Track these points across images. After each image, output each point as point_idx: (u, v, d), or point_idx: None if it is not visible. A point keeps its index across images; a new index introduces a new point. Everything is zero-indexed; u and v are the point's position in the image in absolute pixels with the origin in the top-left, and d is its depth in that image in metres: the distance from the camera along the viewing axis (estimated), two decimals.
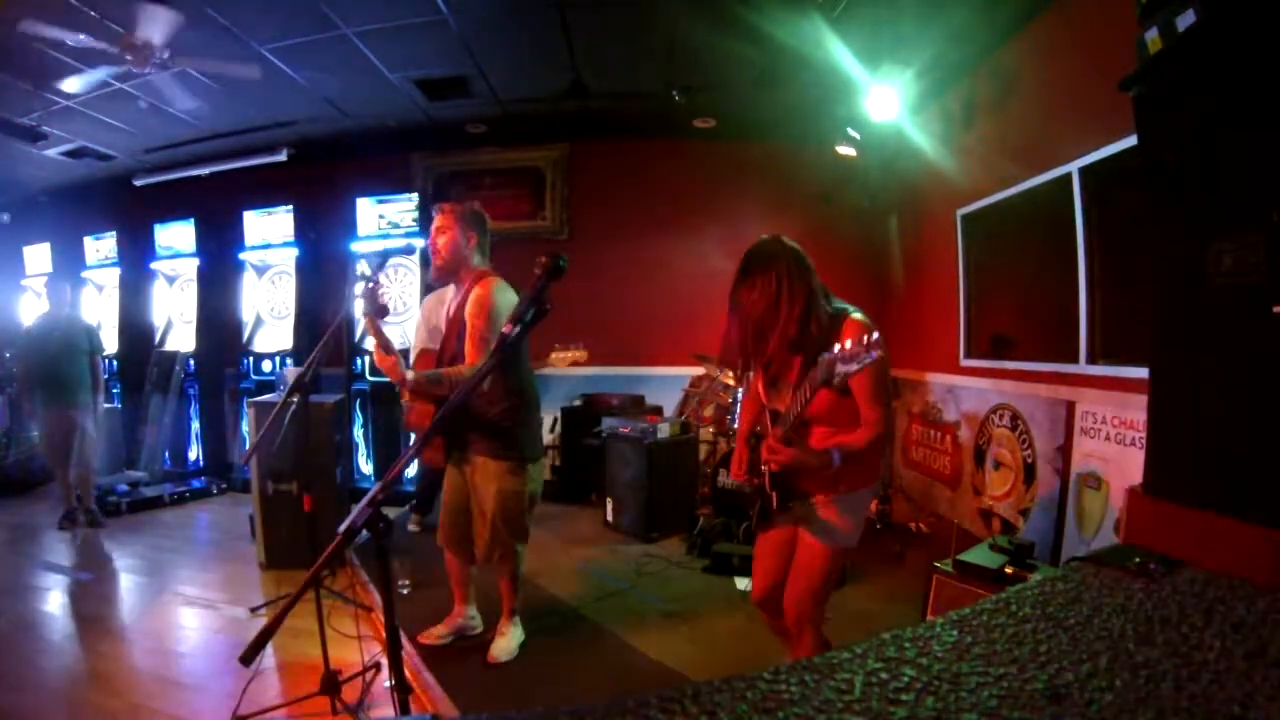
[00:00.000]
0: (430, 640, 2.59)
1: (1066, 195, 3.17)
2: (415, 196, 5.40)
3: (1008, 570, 2.32)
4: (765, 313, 1.71)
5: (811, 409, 1.66)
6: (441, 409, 1.26)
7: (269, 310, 5.78)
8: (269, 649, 2.00)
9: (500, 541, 2.44)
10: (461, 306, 2.41)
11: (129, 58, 3.49)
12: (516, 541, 2.48)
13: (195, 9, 3.39)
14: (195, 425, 6.00)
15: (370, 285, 2.26)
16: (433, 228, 2.46)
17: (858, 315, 1.71)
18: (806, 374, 1.60)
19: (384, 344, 2.23)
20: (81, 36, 3.26)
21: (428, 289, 4.35)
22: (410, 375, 2.22)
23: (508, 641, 2.58)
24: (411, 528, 4.15)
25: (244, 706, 2.09)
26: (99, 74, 3.76)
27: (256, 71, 3.94)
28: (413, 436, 3.06)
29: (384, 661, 2.36)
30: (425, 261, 4.87)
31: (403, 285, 5.33)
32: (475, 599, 2.72)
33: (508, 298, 2.37)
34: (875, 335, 1.41)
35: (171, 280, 6.20)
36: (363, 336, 5.39)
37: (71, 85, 3.80)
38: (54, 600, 3.25)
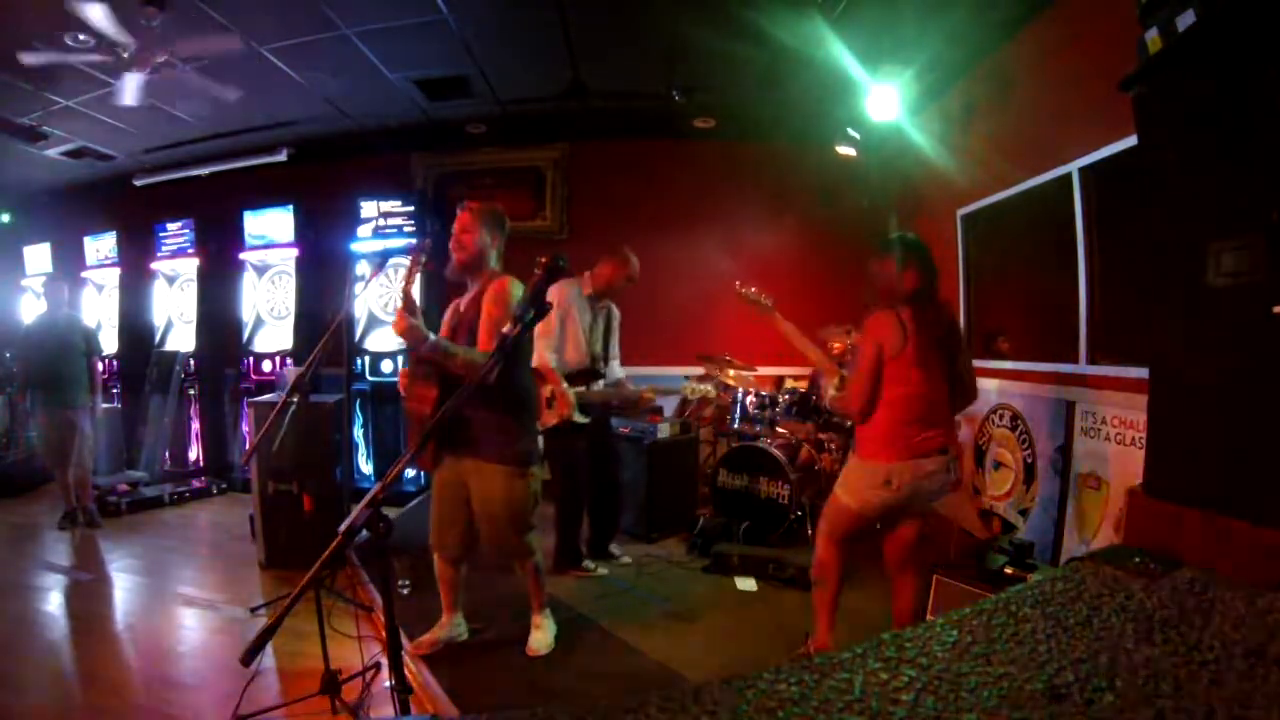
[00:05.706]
0: (422, 650, 2.55)
1: (1066, 195, 3.16)
2: (415, 196, 5.39)
3: (1008, 570, 2.32)
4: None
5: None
6: (446, 404, 1.25)
7: (269, 310, 5.77)
8: (269, 649, 2.00)
9: (514, 542, 2.45)
10: (474, 303, 2.41)
11: (125, 55, 3.47)
12: (527, 535, 2.49)
13: (195, 9, 3.39)
14: (195, 425, 5.99)
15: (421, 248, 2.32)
16: (458, 224, 2.43)
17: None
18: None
19: (410, 305, 2.19)
20: (108, 26, 3.19)
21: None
22: (431, 338, 2.17)
23: (544, 634, 2.61)
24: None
25: (244, 706, 2.09)
26: (70, 58, 3.60)
27: (232, 95, 3.99)
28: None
29: (384, 661, 2.36)
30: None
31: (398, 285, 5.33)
32: (463, 605, 2.67)
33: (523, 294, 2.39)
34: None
35: (171, 280, 6.19)
36: (363, 336, 5.39)
37: (29, 59, 3.56)
38: (53, 600, 3.25)
